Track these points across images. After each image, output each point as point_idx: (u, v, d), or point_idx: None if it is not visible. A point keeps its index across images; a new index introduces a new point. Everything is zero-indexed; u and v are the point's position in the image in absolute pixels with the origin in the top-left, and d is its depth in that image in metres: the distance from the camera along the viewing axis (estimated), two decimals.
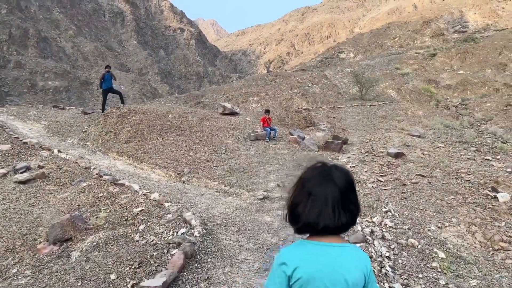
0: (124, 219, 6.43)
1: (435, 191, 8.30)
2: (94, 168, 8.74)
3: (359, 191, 7.76)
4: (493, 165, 11.57)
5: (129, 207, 6.88)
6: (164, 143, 11.40)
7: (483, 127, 19.15)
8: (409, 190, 8.20)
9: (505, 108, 21.28)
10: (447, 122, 18.56)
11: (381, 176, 9.17)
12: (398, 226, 5.96)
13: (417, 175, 9.48)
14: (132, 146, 11.20)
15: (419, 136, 15.42)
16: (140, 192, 7.28)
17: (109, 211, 6.85)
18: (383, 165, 10.14)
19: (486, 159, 12.34)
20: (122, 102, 15.14)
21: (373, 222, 5.91)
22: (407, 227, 5.99)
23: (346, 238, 5.22)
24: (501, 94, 23.67)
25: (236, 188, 8.00)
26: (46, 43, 45.43)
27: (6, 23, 42.93)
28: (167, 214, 6.33)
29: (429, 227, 6.31)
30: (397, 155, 11.18)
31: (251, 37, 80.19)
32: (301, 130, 13.85)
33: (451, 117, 20.71)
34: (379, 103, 22.65)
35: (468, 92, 26.19)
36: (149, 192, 7.30)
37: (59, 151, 10.17)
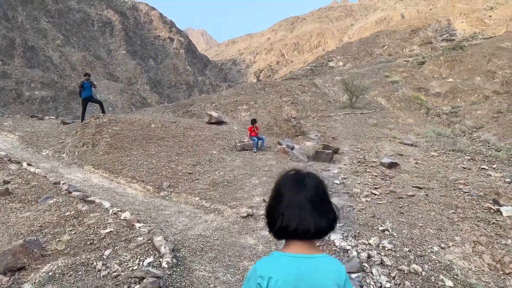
0: (89, 243, 5.61)
1: (434, 205, 7.59)
2: (63, 183, 7.91)
3: (352, 206, 7.02)
4: (490, 175, 10.93)
5: (97, 228, 6.06)
6: (144, 154, 10.59)
7: (475, 135, 18.62)
8: (406, 204, 7.48)
9: (495, 116, 20.81)
10: (439, 130, 17.99)
11: (375, 188, 8.45)
12: (398, 248, 5.21)
13: (413, 187, 8.78)
14: (110, 158, 10.38)
15: (412, 145, 14.79)
16: (111, 211, 6.46)
17: (74, 233, 6.02)
18: (376, 176, 9.43)
19: (482, 168, 11.71)
20: (103, 112, 14.31)
21: (369, 244, 5.16)
22: (407, 249, 5.24)
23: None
24: (492, 101, 23.24)
25: (219, 204, 7.22)
26: (33, 52, 44.48)
27: None
28: (137, 236, 5.53)
29: (432, 247, 5.57)
30: (391, 165, 10.50)
31: (241, 46, 79.74)
32: (291, 139, 13.13)
33: (443, 125, 20.17)
34: (370, 111, 22.08)
35: (458, 100, 25.78)
36: (120, 211, 6.48)
37: (29, 164, 9.30)
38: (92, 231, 5.97)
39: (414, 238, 5.78)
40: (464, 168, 11.49)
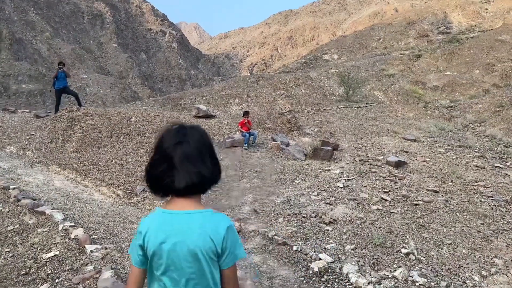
0: (24, 272, 4.18)
1: (457, 214, 6.23)
2: (14, 188, 6.44)
3: (362, 218, 5.63)
4: (507, 175, 9.61)
5: (40, 249, 4.63)
6: (120, 152, 9.12)
7: (477, 130, 17.34)
8: (424, 214, 6.11)
9: (497, 110, 19.53)
10: (442, 124, 16.66)
11: (385, 192, 7.08)
12: (433, 283, 3.82)
13: (428, 190, 7.42)
14: (81, 156, 8.90)
15: (415, 140, 13.44)
16: (61, 226, 5.02)
17: (12, 256, 4.59)
18: (384, 177, 8.06)
19: (496, 167, 10.38)
20: (79, 104, 12.78)
21: (395, 278, 3.77)
22: (444, 283, 3.85)
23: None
24: (492, 95, 21.96)
25: None
26: (21, 45, 42.55)
27: None
28: (86, 264, 4.11)
29: (471, 276, 4.21)
30: (398, 164, 9.13)
31: (234, 40, 77.79)
32: (285, 135, 11.72)
33: (443, 119, 18.86)
34: (367, 105, 20.70)
35: (457, 94, 24.51)
36: (74, 226, 5.04)
37: None
38: (32, 255, 4.54)
39: (446, 264, 4.40)
40: (477, 166, 10.15)
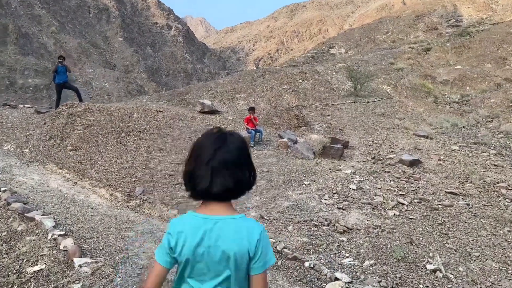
0: None
1: (482, 220, 5.69)
2: (5, 191, 5.99)
3: (379, 225, 5.10)
4: None
5: (26, 261, 4.17)
6: (120, 150, 8.66)
7: (491, 125, 16.68)
8: (446, 220, 5.58)
9: (511, 104, 18.86)
10: (454, 120, 16.03)
11: (401, 195, 6.54)
12: None
13: (446, 192, 6.87)
14: (79, 154, 8.45)
15: (427, 137, 12.86)
16: (50, 235, 4.55)
17: None
18: (399, 178, 7.51)
19: None
20: (80, 100, 12.33)
21: None
22: None
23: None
24: (505, 89, 21.22)
25: None
26: (27, 39, 42.27)
27: None
28: (73, 282, 3.64)
29: None
30: (413, 163, 8.58)
31: (240, 34, 76.89)
32: (293, 131, 11.19)
33: (455, 114, 18.20)
34: (376, 100, 20.08)
35: (468, 88, 23.77)
36: (64, 234, 4.57)
37: None
38: (17, 268, 4.09)
39: (478, 282, 3.88)
40: (495, 165, 9.57)
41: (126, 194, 6.52)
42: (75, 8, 47.38)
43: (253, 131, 9.59)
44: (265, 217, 5.18)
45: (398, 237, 4.78)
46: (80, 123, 9.72)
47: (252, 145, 9.42)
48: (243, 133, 9.84)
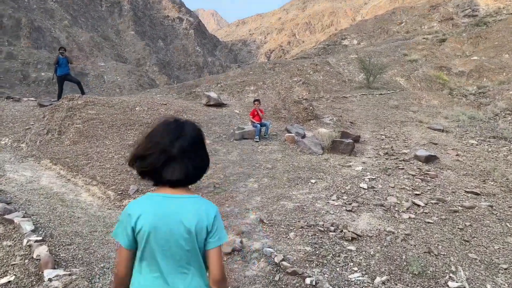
0: None
1: (507, 224, 5.05)
2: None
3: (392, 232, 4.51)
4: None
5: None
6: (119, 144, 8.18)
7: (509, 118, 15.80)
8: (467, 224, 4.95)
9: None
10: (470, 112, 15.20)
11: (417, 195, 5.92)
12: None
13: (466, 192, 6.22)
14: (76, 149, 7.99)
15: (443, 130, 12.14)
16: (25, 241, 4.07)
17: None
18: (414, 175, 6.87)
19: None
20: (82, 92, 11.89)
21: None
22: None
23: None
24: None
25: None
26: (40, 33, 42.20)
27: None
28: None
29: None
30: (429, 159, 7.92)
31: (252, 26, 75.82)
32: (301, 125, 10.58)
33: (472, 107, 17.33)
34: (389, 92, 19.29)
35: (485, 79, 22.77)
36: (41, 240, 4.09)
37: None
38: None
39: None
40: None
41: (119, 192, 6.04)
42: (87, 2, 47.16)
43: (258, 125, 9.02)
44: (265, 221, 4.63)
45: (414, 245, 4.19)
46: (79, 117, 9.27)
47: (257, 140, 8.85)
48: (249, 127, 9.28)
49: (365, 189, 5.97)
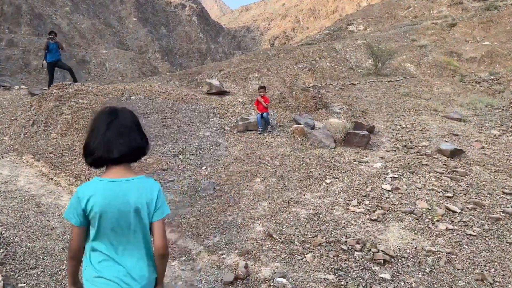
0: None
1: None
2: None
3: (432, 250, 3.62)
4: None
5: None
6: None
7: None
8: None
9: None
10: (487, 100, 14.17)
11: (448, 198, 5.02)
12: None
13: (505, 193, 5.31)
14: (63, 143, 7.12)
15: (460, 120, 11.18)
16: None
17: None
18: (441, 173, 5.96)
19: None
20: (74, 80, 10.99)
21: None
22: None
23: None
24: None
25: (189, 240, 3.92)
26: (41, 20, 41.10)
27: None
28: None
29: None
30: (454, 153, 6.99)
31: (255, 13, 74.04)
32: (310, 115, 9.65)
33: (486, 94, 16.30)
34: (398, 79, 18.23)
35: (497, 65, 21.62)
36: (0, 263, 3.26)
37: None
38: None
39: None
40: None
41: None
42: None
43: (258, 115, 8.06)
44: (274, 235, 3.75)
45: (462, 269, 3.30)
46: (69, 106, 8.38)
47: (260, 132, 7.90)
48: (253, 117, 8.35)
49: (388, 191, 5.07)
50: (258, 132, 7.87)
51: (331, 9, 57.96)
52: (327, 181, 5.39)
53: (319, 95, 11.14)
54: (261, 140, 7.46)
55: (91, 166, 1.74)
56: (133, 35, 44.76)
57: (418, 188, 5.28)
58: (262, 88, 8.63)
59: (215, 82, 11.51)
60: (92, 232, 1.68)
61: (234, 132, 8.01)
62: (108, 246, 1.68)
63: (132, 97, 9.45)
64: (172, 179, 5.49)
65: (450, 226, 4.18)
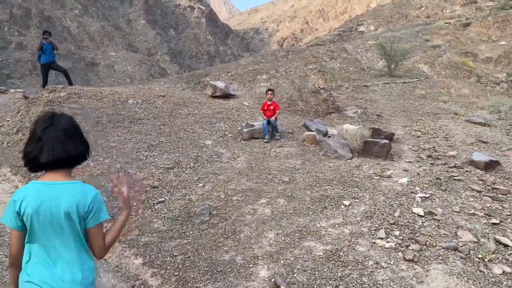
0: None
1: None
2: None
3: None
4: None
5: None
6: None
7: None
8: None
9: None
10: (509, 102, 13.07)
11: (494, 225, 4.05)
12: None
13: None
14: None
15: (485, 124, 10.14)
16: None
17: None
18: (479, 191, 4.98)
19: None
20: (69, 83, 10.19)
21: None
22: None
23: None
24: None
25: (175, 284, 3.03)
26: (50, 23, 40.70)
27: (7, 2, 38.39)
28: None
29: None
30: (489, 166, 5.99)
31: (264, 14, 72.98)
32: (322, 120, 8.70)
33: (507, 96, 15.18)
34: (413, 80, 17.18)
35: None
36: None
37: None
38: None
39: None
40: None
41: None
42: None
43: (265, 122, 7.14)
44: (282, 287, 2.82)
45: None
46: (59, 112, 7.54)
47: (266, 140, 6.98)
48: (259, 123, 7.43)
49: (421, 216, 4.12)
50: (265, 141, 6.95)
51: (340, 10, 56.73)
52: (346, 202, 4.45)
53: (331, 98, 10.19)
54: (268, 150, 6.53)
55: (30, 171, 1.73)
56: (142, 37, 44.18)
57: (455, 212, 4.32)
58: (270, 90, 7.68)
59: (220, 84, 10.62)
60: (27, 235, 1.66)
61: (238, 140, 7.10)
62: (41, 249, 1.65)
63: (129, 101, 8.60)
64: (163, 199, 4.60)
65: (508, 269, 3.21)
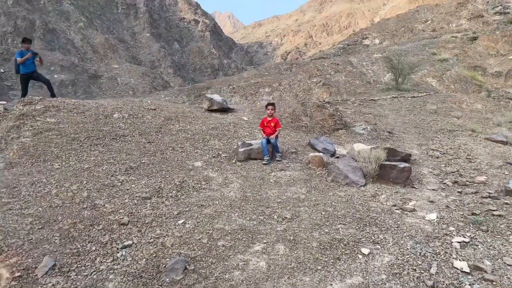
0: None
1: None
2: None
3: None
4: None
5: None
6: (71, 169, 5.41)
7: None
8: None
9: None
10: None
11: None
12: None
13: None
14: (7, 176, 5.27)
15: (506, 143, 9.05)
16: None
17: None
18: None
19: None
20: (52, 95, 9.23)
21: None
22: None
23: None
24: None
25: None
26: (54, 35, 40.16)
27: (11, 14, 37.85)
28: None
29: None
30: None
31: (268, 28, 72.53)
32: (328, 137, 7.65)
33: None
34: (422, 94, 16.13)
35: None
36: None
37: None
38: None
39: None
40: None
41: (23, 268, 3.23)
42: (103, 4, 45.10)
43: (264, 140, 6.09)
44: None
45: None
46: (31, 127, 6.56)
47: (266, 162, 5.92)
48: (258, 142, 6.38)
49: (466, 274, 3.03)
50: (264, 162, 5.89)
51: (344, 25, 56.12)
52: (365, 251, 3.37)
53: (338, 113, 9.15)
54: (267, 174, 5.47)
55: None
56: (146, 50, 43.61)
57: (509, 265, 3.23)
58: (271, 105, 6.63)
59: (216, 97, 9.62)
60: None
61: (233, 161, 6.04)
62: None
63: (114, 115, 7.60)
64: (129, 242, 3.54)
65: None
